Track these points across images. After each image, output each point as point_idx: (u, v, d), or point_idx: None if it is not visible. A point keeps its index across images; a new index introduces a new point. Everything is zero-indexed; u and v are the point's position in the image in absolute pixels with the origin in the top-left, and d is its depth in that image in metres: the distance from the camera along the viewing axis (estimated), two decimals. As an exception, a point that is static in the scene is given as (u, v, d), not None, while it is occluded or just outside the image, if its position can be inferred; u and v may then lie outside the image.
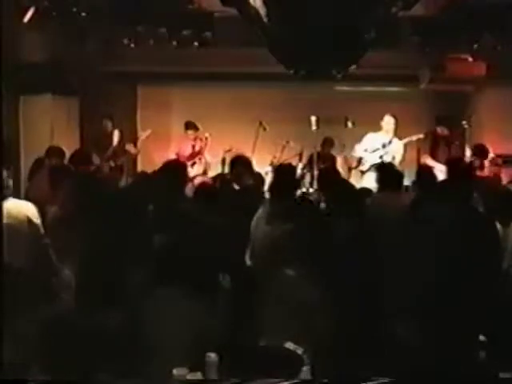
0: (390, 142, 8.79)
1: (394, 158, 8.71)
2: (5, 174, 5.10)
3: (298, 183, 6.66)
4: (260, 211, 5.29)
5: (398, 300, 4.15)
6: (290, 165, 7.32)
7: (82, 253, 4.95)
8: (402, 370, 3.35)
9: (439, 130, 9.13)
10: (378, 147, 8.79)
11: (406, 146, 8.92)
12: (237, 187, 6.17)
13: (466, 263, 4.15)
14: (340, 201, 5.08)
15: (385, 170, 6.30)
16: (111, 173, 8.69)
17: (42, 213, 5.20)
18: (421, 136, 8.95)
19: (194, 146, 9.38)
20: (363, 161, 8.81)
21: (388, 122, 8.83)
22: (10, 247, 4.62)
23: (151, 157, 9.91)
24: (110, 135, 9.10)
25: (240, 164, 6.42)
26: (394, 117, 8.82)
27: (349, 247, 4.47)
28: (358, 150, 8.92)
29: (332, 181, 6.19)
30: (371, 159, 8.70)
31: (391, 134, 8.83)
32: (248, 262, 5.15)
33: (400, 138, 8.87)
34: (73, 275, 4.70)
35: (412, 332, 3.89)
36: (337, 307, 3.92)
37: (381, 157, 8.67)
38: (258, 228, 5.08)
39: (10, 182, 5.21)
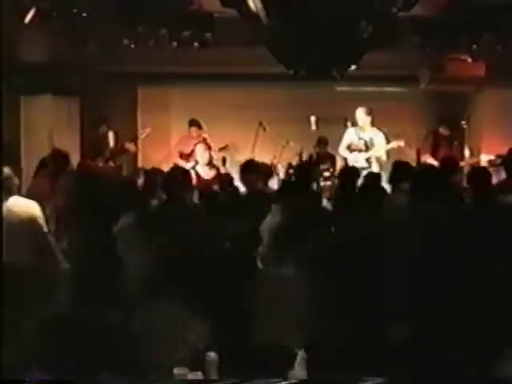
0: (370, 140, 8.77)
1: (378, 158, 8.70)
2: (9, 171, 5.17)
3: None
4: (269, 217, 5.30)
5: (398, 301, 4.14)
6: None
7: (82, 251, 4.97)
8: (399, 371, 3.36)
9: (442, 129, 9.14)
10: (360, 146, 8.77)
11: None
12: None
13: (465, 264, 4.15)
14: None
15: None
16: (110, 172, 8.67)
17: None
18: (401, 144, 8.83)
19: (196, 145, 9.36)
20: (348, 162, 8.80)
21: (360, 116, 8.80)
22: (11, 245, 4.67)
23: (151, 157, 9.93)
24: (106, 137, 9.11)
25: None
26: (367, 109, 8.80)
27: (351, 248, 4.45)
28: (341, 149, 8.93)
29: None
30: (359, 160, 8.68)
31: (368, 128, 8.81)
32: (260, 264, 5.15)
33: (386, 134, 8.87)
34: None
35: (411, 333, 3.89)
36: (337, 307, 3.92)
37: (367, 159, 8.68)
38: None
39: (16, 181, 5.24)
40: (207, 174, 8.81)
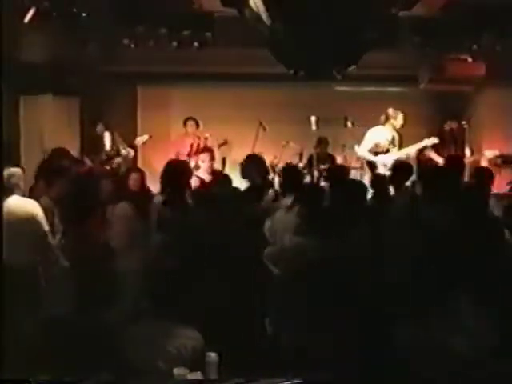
0: (393, 139, 8.56)
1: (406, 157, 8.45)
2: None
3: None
4: (282, 215, 5.24)
5: (397, 301, 4.14)
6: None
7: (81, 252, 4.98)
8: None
9: (446, 126, 9.13)
10: (386, 146, 8.54)
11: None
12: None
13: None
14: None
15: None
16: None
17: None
18: (436, 141, 8.69)
19: (192, 145, 9.36)
20: (378, 164, 8.41)
21: (398, 115, 8.53)
22: (12, 246, 4.66)
23: (151, 157, 9.93)
24: (102, 139, 9.09)
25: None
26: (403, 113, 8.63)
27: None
28: (363, 151, 8.60)
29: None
30: (387, 162, 8.33)
31: (395, 130, 8.61)
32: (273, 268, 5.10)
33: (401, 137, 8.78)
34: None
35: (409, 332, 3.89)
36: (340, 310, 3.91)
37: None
38: (285, 235, 4.98)
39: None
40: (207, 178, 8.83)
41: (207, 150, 9.20)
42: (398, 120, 8.58)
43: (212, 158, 9.13)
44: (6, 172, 5.21)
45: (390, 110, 8.63)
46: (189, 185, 5.91)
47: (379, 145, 8.54)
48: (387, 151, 8.54)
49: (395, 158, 8.33)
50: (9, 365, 3.38)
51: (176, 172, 5.65)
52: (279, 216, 5.32)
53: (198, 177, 8.45)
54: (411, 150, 8.59)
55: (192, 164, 8.96)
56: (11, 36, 7.05)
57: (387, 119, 8.60)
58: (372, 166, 8.50)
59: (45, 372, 3.11)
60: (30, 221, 5.14)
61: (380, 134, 8.59)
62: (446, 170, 6.53)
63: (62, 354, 3.24)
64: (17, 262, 4.78)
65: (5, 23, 5.91)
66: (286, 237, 4.86)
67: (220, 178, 6.33)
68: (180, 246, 4.62)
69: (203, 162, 8.97)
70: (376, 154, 8.56)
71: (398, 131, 8.67)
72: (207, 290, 4.14)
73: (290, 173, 6.24)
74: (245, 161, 6.53)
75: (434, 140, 8.70)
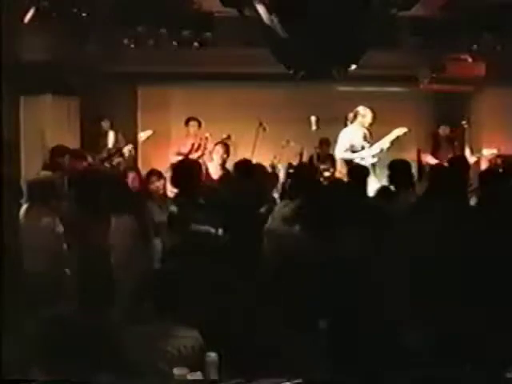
0: (364, 136, 8.54)
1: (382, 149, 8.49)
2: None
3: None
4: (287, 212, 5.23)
5: (400, 303, 4.14)
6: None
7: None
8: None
9: (441, 129, 9.11)
10: (361, 144, 8.48)
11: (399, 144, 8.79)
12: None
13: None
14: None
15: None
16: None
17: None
18: (405, 130, 8.59)
19: (193, 144, 9.36)
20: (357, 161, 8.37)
21: (365, 115, 8.54)
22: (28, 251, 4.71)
23: (151, 157, 9.93)
24: (105, 136, 9.11)
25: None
26: (371, 109, 8.63)
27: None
28: (341, 152, 8.53)
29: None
30: (365, 159, 8.41)
31: (365, 128, 8.61)
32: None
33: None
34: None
35: (411, 330, 3.89)
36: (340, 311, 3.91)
37: (374, 156, 8.44)
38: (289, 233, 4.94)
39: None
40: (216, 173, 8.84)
41: (221, 143, 9.20)
42: (367, 118, 8.55)
43: (226, 152, 9.09)
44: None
45: (360, 108, 8.61)
46: (200, 183, 5.92)
47: (354, 144, 8.50)
48: (362, 149, 8.50)
49: (373, 153, 8.40)
50: (9, 365, 3.38)
51: (187, 172, 5.65)
52: (277, 210, 5.34)
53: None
54: (385, 144, 8.50)
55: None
56: (11, 36, 7.05)
57: (355, 117, 8.59)
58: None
59: (45, 372, 3.11)
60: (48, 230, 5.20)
61: (353, 134, 8.57)
62: (450, 171, 6.48)
63: (63, 354, 3.24)
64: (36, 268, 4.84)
65: (5, 23, 5.91)
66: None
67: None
68: (182, 246, 4.63)
69: (217, 153, 8.97)
70: (353, 153, 8.54)
71: (367, 128, 8.64)
72: (208, 290, 4.14)
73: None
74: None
75: (404, 129, 8.57)
